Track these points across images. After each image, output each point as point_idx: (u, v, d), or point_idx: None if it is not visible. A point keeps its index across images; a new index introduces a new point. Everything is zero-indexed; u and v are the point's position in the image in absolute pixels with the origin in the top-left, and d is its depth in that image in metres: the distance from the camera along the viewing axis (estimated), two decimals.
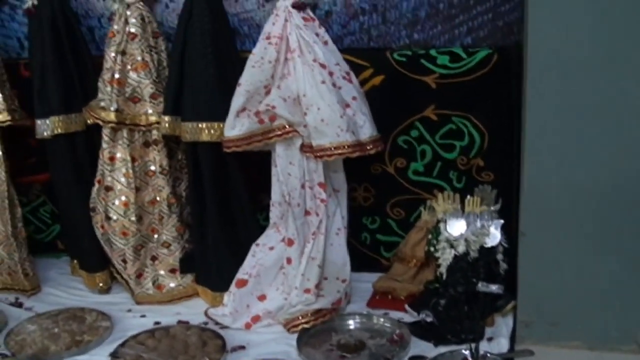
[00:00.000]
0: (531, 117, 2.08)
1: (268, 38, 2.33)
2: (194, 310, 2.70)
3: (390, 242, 2.80)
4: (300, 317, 2.45)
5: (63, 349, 2.48)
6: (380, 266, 2.81)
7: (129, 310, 2.75)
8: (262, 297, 2.56)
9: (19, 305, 2.89)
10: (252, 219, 2.67)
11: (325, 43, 2.34)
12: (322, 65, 2.28)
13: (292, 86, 2.30)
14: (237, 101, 2.35)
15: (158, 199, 2.73)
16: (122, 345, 2.45)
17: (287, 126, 2.35)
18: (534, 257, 2.20)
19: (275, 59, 2.32)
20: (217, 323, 2.55)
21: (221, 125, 2.43)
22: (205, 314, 2.62)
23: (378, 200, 2.76)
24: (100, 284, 2.90)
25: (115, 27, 2.57)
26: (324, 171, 2.41)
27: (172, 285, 2.79)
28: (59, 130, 2.73)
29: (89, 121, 2.72)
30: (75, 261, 3.04)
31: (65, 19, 2.69)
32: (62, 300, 2.89)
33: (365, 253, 2.78)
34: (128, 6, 2.55)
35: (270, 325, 2.52)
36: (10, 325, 2.68)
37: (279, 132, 2.36)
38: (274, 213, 2.54)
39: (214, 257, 2.66)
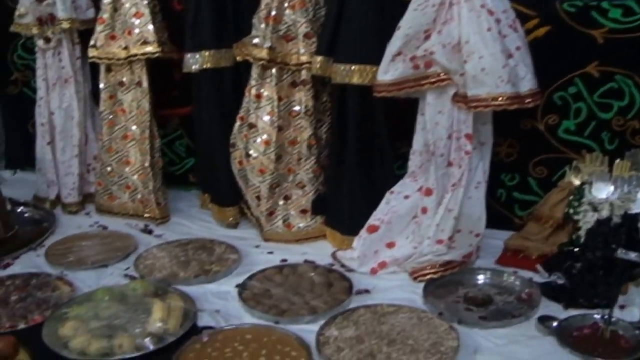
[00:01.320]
0: None
1: None
2: (320, 252, 2.76)
3: (527, 200, 2.79)
4: (428, 267, 2.47)
5: (192, 276, 2.58)
6: (512, 224, 2.80)
7: (257, 246, 2.83)
8: (390, 244, 2.59)
9: (149, 232, 3.02)
10: (390, 166, 2.69)
11: None
12: (490, 12, 2.23)
13: (454, 32, 2.27)
14: (394, 44, 2.35)
15: (299, 139, 2.78)
16: (250, 278, 2.53)
17: (441, 74, 2.33)
18: None
19: (440, 2, 2.29)
20: (342, 265, 2.60)
21: (373, 69, 2.45)
22: (333, 255, 2.67)
23: (521, 157, 2.74)
24: (230, 219, 2.99)
25: None
26: (473, 122, 2.39)
27: (301, 225, 2.85)
28: (208, 65, 2.81)
29: (238, 58, 2.78)
30: (205, 195, 3.15)
31: None
32: (190, 231, 3.01)
33: (497, 210, 2.76)
34: None
35: (395, 273, 2.56)
36: (140, 250, 2.81)
37: (433, 80, 2.35)
38: (413, 162, 2.55)
39: (347, 201, 2.70)
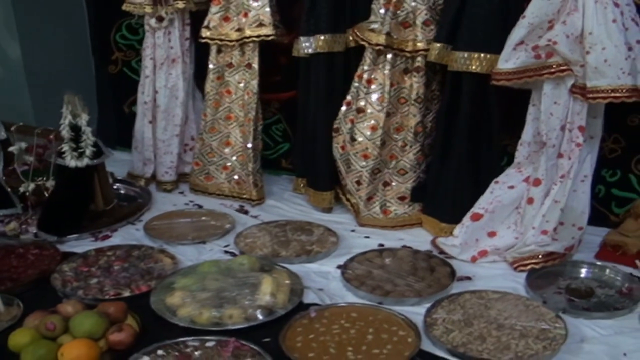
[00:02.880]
0: None
1: None
2: (416, 238, 2.79)
3: (625, 198, 2.77)
4: (531, 257, 2.48)
5: (293, 255, 2.63)
6: (607, 221, 2.78)
7: (353, 231, 2.87)
8: (492, 234, 2.60)
9: (245, 212, 3.08)
10: (497, 156, 2.70)
11: None
12: (616, 4, 2.23)
13: (577, 23, 2.27)
14: (517, 33, 2.36)
15: (405, 126, 2.80)
16: (351, 260, 2.56)
17: (562, 64, 2.32)
18: None
19: None
20: (441, 252, 2.61)
21: (492, 57, 2.46)
22: (433, 242, 2.69)
23: (625, 153, 2.72)
24: (326, 203, 3.02)
25: None
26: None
27: (398, 211, 2.87)
28: (322, 49, 2.84)
29: (352, 43, 2.82)
30: (299, 179, 3.19)
31: None
32: (286, 213, 3.07)
33: (594, 206, 2.72)
34: None
35: (495, 262, 2.57)
36: (238, 228, 2.87)
37: (553, 70, 2.34)
38: (521, 152, 2.55)
39: (451, 190, 2.72)
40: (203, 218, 3.00)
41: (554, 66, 2.34)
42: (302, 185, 3.17)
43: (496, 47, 2.43)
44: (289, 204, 3.16)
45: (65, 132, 2.86)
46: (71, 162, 2.85)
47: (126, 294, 2.36)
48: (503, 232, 2.59)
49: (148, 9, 3.13)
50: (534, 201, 2.49)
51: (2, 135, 3.09)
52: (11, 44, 3.56)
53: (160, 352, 2.02)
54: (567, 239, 2.49)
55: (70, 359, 1.96)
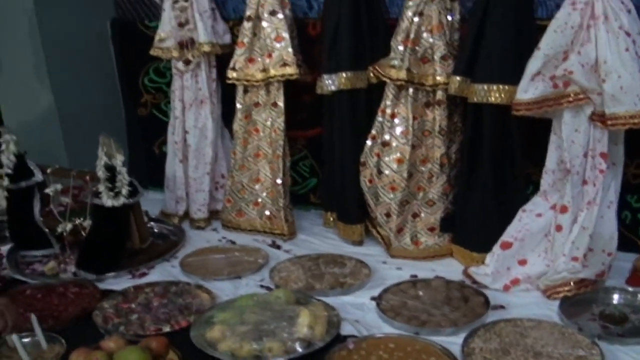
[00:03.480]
0: None
1: (573, 4, 2.36)
2: (447, 269, 2.82)
3: None
4: (563, 285, 2.51)
5: (327, 288, 2.67)
6: (636, 247, 2.81)
7: (384, 262, 2.92)
8: (522, 262, 2.63)
9: (277, 247, 3.15)
10: (522, 185, 2.74)
11: (629, 11, 2.34)
12: (627, 33, 2.29)
13: (591, 53, 2.33)
14: (534, 64, 2.42)
15: (430, 157, 2.86)
16: (385, 291, 2.60)
17: (579, 93, 2.38)
18: None
19: (579, 24, 2.35)
20: (474, 282, 2.65)
21: (511, 88, 2.52)
22: (465, 272, 2.73)
23: None
24: (357, 236, 3.08)
25: None
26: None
27: (429, 242, 2.92)
28: (345, 86, 2.92)
29: (372, 80, 2.89)
30: (329, 213, 3.25)
31: None
32: (317, 247, 3.12)
33: (621, 231, 2.70)
34: None
35: (528, 290, 2.60)
36: (271, 263, 2.93)
37: (571, 99, 2.40)
38: (546, 180, 2.60)
39: (478, 219, 2.76)
40: (237, 253, 3.07)
41: (572, 95, 2.40)
42: (331, 219, 3.23)
43: (514, 78, 2.49)
44: (320, 237, 3.22)
45: (101, 173, 2.95)
46: (108, 201, 2.93)
47: (166, 329, 2.42)
48: (534, 260, 2.62)
49: (175, 53, 3.24)
50: (563, 228, 2.53)
51: (39, 178, 3.16)
52: (43, 90, 3.68)
53: None
54: (598, 265, 2.53)
55: None
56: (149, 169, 3.87)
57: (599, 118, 2.39)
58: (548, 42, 2.40)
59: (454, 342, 2.24)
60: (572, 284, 2.50)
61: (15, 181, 3.11)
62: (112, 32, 3.81)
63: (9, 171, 3.10)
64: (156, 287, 2.74)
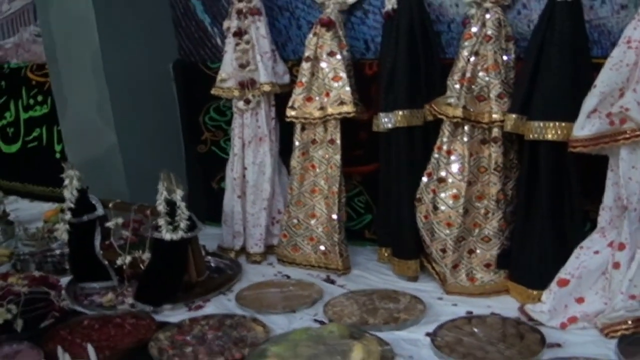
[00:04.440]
0: None
1: (628, 42, 2.38)
2: (503, 305, 2.79)
3: None
4: (620, 323, 2.46)
5: (381, 323, 2.67)
6: None
7: (440, 298, 2.91)
8: (580, 300, 2.59)
9: (331, 282, 3.18)
10: (580, 222, 2.72)
11: None
12: None
13: None
14: (590, 102, 2.43)
15: (486, 194, 2.86)
16: (440, 327, 2.59)
17: (636, 130, 2.38)
18: None
19: (634, 62, 2.36)
20: (531, 319, 2.61)
21: (567, 125, 2.53)
22: (521, 309, 2.69)
23: None
24: (412, 272, 3.09)
25: (473, 29, 2.76)
26: None
27: (485, 279, 2.90)
28: (401, 124, 2.96)
29: (428, 117, 2.94)
30: (383, 249, 3.27)
31: (421, 23, 2.92)
32: (371, 282, 3.13)
33: None
34: (487, 11, 2.75)
35: (585, 329, 2.55)
36: (325, 298, 2.96)
37: (628, 135, 2.39)
38: (603, 217, 2.57)
39: (537, 255, 2.74)
40: (291, 288, 3.11)
41: (629, 132, 2.39)
42: (386, 254, 3.25)
43: (570, 116, 2.51)
44: (374, 273, 3.23)
45: (162, 207, 3.04)
46: (167, 235, 3.01)
47: None
48: (591, 298, 2.58)
49: (236, 93, 3.36)
50: (620, 266, 2.49)
51: (100, 212, 3.28)
52: (107, 128, 3.81)
53: None
54: None
55: None
56: (207, 204, 3.96)
57: None
58: (604, 80, 2.41)
59: None
60: (630, 322, 2.45)
61: (77, 215, 3.22)
62: (174, 72, 3.97)
63: (72, 205, 3.22)
64: (211, 320, 2.79)
